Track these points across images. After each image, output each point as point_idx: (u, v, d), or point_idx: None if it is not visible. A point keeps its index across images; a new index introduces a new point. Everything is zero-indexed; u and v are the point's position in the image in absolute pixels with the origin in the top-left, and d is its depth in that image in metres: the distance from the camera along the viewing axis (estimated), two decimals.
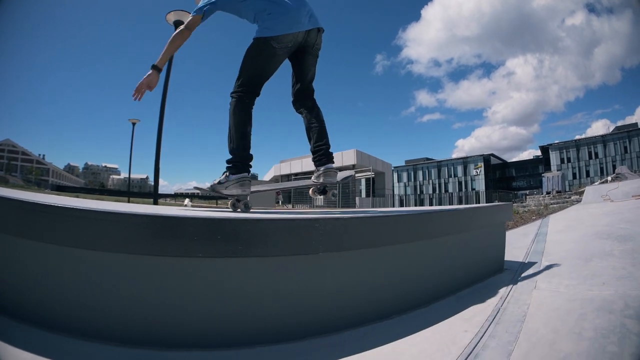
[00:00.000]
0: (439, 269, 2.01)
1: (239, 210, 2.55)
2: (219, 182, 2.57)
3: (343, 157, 33.55)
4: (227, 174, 2.54)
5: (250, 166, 2.59)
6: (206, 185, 2.77)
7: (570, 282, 2.00)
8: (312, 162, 2.81)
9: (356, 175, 30.85)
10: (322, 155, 2.74)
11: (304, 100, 2.83)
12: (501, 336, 1.36)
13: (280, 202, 27.85)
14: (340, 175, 2.90)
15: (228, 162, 2.56)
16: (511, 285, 2.08)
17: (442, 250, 2.02)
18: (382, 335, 1.46)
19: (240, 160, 2.52)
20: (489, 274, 2.37)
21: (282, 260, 1.53)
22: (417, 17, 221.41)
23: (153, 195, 11.64)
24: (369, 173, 31.41)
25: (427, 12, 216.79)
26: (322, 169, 2.72)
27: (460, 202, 59.53)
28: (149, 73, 2.54)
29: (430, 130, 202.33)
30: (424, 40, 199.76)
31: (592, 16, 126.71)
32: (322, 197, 3.08)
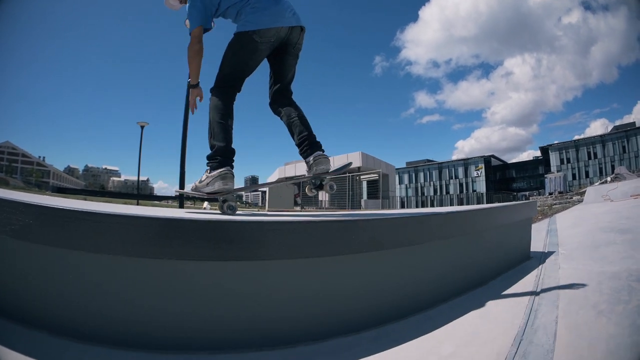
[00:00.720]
0: (486, 257, 2.51)
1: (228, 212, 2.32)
2: (200, 182, 2.44)
3: (348, 159, 33.02)
4: (209, 170, 2.40)
5: (233, 160, 2.45)
6: (188, 187, 2.60)
7: (585, 263, 2.57)
8: (301, 156, 2.63)
9: (361, 177, 31.06)
10: (309, 144, 2.57)
11: (282, 100, 2.72)
12: (548, 297, 1.94)
13: (298, 202, 27.50)
14: (336, 164, 2.74)
15: (209, 157, 2.42)
16: (541, 267, 2.66)
17: (487, 241, 2.53)
18: (468, 305, 1.96)
19: (221, 154, 2.38)
20: (521, 260, 2.93)
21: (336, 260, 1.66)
22: (414, 17, 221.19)
23: (179, 201, 11.87)
24: (374, 175, 31.61)
25: (425, 12, 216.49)
26: (311, 157, 2.53)
27: (461, 204, 59.66)
28: (190, 92, 2.67)
29: (430, 131, 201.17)
30: (422, 41, 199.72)
31: (588, 14, 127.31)
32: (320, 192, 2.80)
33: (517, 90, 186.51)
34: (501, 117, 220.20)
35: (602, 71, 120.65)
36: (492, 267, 2.52)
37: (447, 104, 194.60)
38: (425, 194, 76.30)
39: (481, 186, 69.14)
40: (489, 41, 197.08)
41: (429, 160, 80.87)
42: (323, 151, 2.57)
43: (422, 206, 67.47)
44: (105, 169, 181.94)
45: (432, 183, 76.50)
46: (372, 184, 33.30)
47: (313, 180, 2.64)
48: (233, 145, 2.44)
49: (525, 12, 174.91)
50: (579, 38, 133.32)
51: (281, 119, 2.69)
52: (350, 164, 2.91)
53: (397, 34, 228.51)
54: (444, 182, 75.03)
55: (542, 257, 3.06)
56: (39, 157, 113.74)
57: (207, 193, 2.36)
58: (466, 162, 73.90)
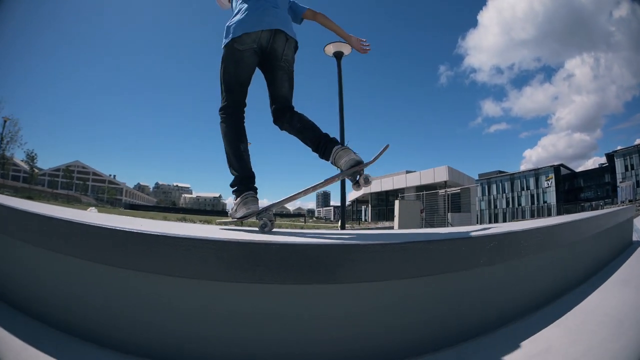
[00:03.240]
0: (616, 243, 3.10)
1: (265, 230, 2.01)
2: (232, 209, 2.26)
3: (435, 173, 33.06)
4: (235, 197, 2.23)
5: (253, 184, 2.24)
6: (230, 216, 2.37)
7: None
8: (337, 166, 2.19)
9: (447, 191, 30.63)
10: (324, 144, 2.21)
11: (283, 117, 2.38)
12: None
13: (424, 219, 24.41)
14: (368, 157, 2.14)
15: (231, 186, 2.26)
16: None
17: (613, 235, 3.01)
18: (617, 266, 2.43)
19: (239, 182, 2.20)
20: (629, 245, 3.85)
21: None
22: (474, 23, 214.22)
23: (341, 218, 10.78)
24: (456, 189, 30.08)
25: (483, 17, 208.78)
26: (331, 156, 2.16)
27: (532, 216, 54.36)
28: None
29: (497, 140, 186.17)
30: (483, 47, 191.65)
31: (635, 5, 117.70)
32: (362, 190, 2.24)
33: (580, 93, 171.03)
34: (566, 122, 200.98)
35: None
36: (618, 246, 3.20)
37: (513, 111, 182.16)
38: (498, 207, 69.81)
39: (551, 197, 62.70)
40: (548, 42, 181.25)
41: (500, 172, 74.90)
42: (343, 145, 2.19)
43: (496, 220, 63.30)
44: (177, 186, 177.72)
45: (504, 195, 69.60)
46: (455, 197, 29.96)
47: (350, 178, 2.20)
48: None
49: (578, 8, 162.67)
50: (631, 32, 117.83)
51: (288, 131, 2.41)
52: (387, 146, 2.27)
53: (459, 41, 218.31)
54: (515, 194, 67.99)
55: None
56: (110, 175, 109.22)
57: (238, 218, 2.20)
58: (537, 173, 66.86)
